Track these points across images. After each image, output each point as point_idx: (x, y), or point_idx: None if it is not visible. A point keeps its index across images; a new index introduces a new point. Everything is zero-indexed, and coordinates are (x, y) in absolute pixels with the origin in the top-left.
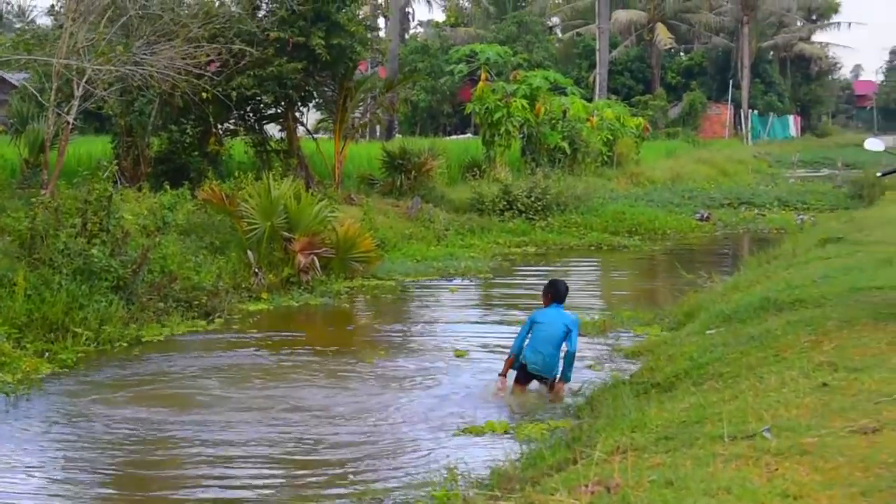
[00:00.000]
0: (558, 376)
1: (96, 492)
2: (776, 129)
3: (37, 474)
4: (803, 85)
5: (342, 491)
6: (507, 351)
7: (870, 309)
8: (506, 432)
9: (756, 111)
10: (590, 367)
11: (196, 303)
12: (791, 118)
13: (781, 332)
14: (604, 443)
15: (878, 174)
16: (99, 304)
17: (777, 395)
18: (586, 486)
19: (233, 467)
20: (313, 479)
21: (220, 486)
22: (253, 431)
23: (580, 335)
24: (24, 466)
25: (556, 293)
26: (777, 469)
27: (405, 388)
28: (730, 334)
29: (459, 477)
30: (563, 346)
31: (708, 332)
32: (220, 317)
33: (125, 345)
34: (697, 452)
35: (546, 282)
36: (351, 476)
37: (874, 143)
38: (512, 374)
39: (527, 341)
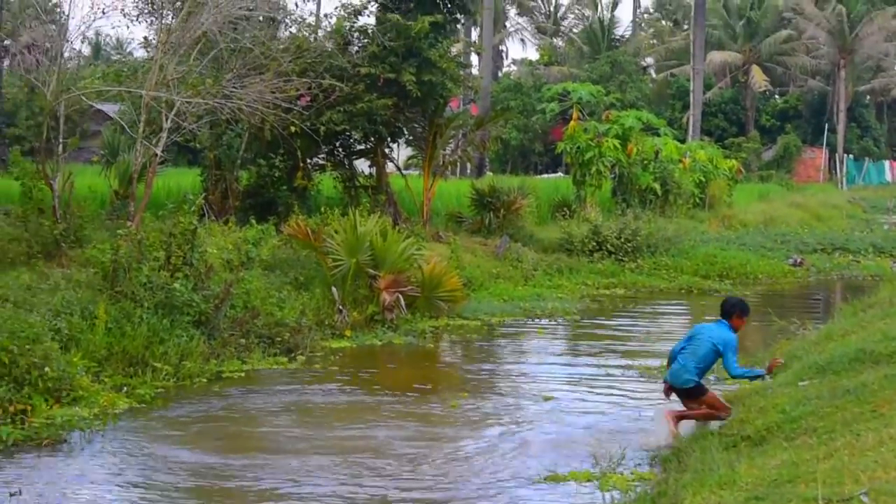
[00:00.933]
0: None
1: None
2: (871, 174)
3: None
4: None
5: None
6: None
7: None
8: (588, 481)
9: (851, 156)
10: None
11: (278, 339)
12: (887, 163)
13: (878, 386)
14: (692, 500)
15: None
16: (180, 339)
17: (875, 455)
18: None
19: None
20: None
21: None
22: (329, 477)
23: None
24: None
25: (722, 309)
26: None
27: (488, 433)
28: (824, 387)
29: None
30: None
31: (801, 383)
32: (302, 354)
33: (205, 380)
34: None
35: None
36: None
37: None
38: None
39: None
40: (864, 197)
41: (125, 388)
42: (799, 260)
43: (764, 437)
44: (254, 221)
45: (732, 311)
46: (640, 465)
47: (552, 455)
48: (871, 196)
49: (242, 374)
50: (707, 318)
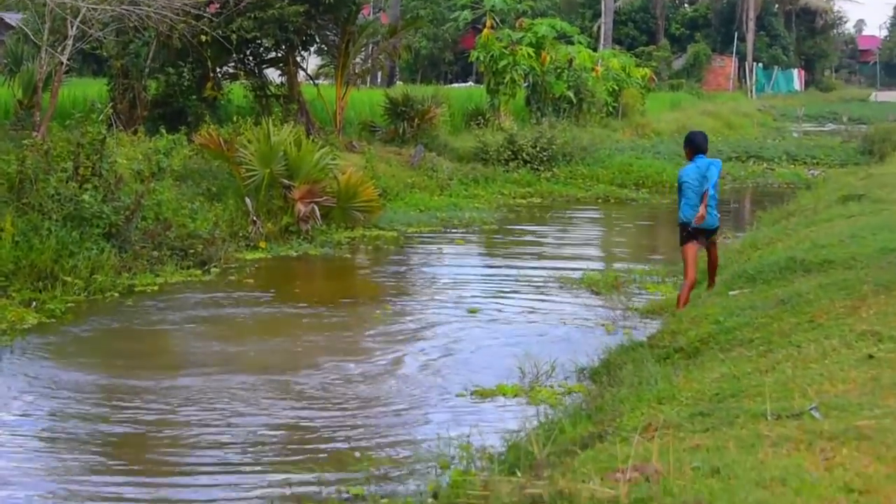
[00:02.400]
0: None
1: (78, 462)
2: (780, 82)
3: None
4: (808, 39)
5: (340, 452)
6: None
7: None
8: (516, 396)
9: (760, 64)
10: (602, 326)
11: (191, 251)
12: (795, 72)
13: (814, 295)
14: (630, 416)
15: None
16: (90, 252)
17: (819, 368)
18: (622, 472)
19: (228, 433)
20: (312, 446)
21: (216, 453)
22: (247, 398)
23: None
24: None
25: (694, 146)
26: (834, 457)
27: (412, 347)
28: (756, 296)
29: (474, 451)
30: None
31: (731, 293)
32: (216, 266)
33: (117, 294)
34: (740, 433)
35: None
36: (353, 442)
37: None
38: None
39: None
40: (773, 105)
41: (34, 303)
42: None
43: (698, 349)
44: (164, 131)
45: (706, 142)
46: (568, 378)
47: (478, 369)
48: (781, 104)
49: (155, 288)
50: (623, 227)
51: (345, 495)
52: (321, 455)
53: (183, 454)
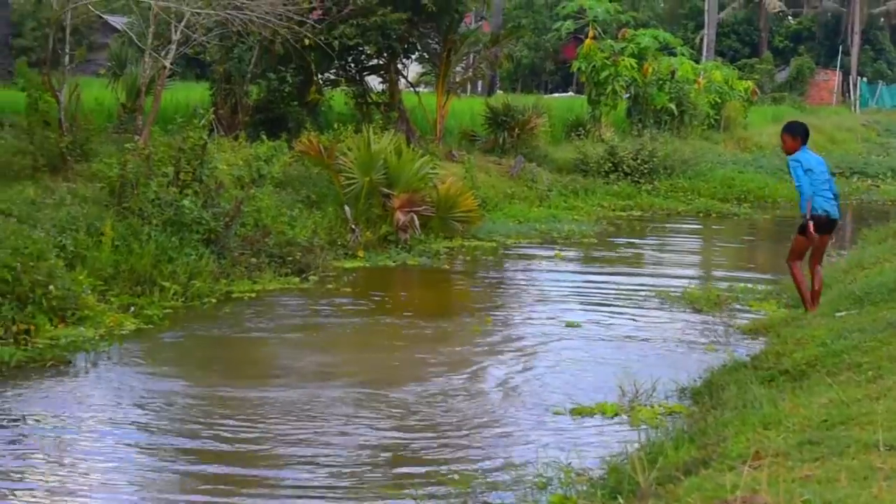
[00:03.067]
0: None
1: (167, 474)
2: (885, 97)
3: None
4: None
5: (438, 474)
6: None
7: None
8: (616, 415)
9: (865, 78)
10: (703, 345)
11: (290, 259)
12: None
13: None
14: (735, 441)
15: None
16: (189, 258)
17: None
18: (729, 503)
19: (320, 451)
20: (406, 466)
21: (305, 473)
22: (341, 412)
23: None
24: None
25: (805, 134)
26: None
27: (510, 361)
28: (864, 318)
29: (573, 475)
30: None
31: (837, 314)
32: (314, 274)
33: (214, 301)
34: (851, 464)
35: (790, 126)
36: (449, 462)
37: None
38: None
39: None
40: (877, 120)
41: (132, 308)
42: None
43: (804, 372)
44: (264, 137)
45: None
46: (669, 397)
47: (577, 385)
48: (885, 119)
49: (253, 295)
50: (725, 242)
51: None
52: (415, 476)
53: (270, 471)
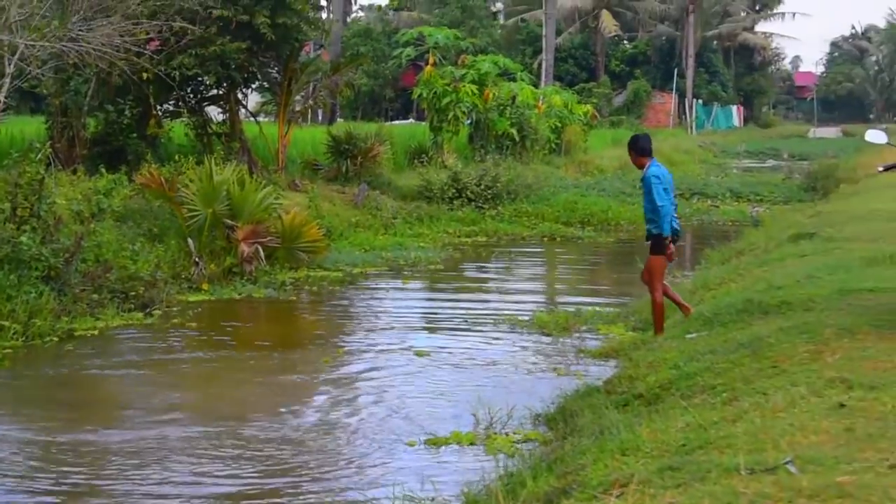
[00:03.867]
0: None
1: None
2: (720, 118)
3: None
4: (746, 75)
5: None
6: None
7: (867, 315)
8: (472, 444)
9: (700, 101)
10: (554, 370)
11: (133, 294)
12: (734, 108)
13: (775, 339)
14: (594, 469)
15: (879, 169)
16: (28, 296)
17: (788, 417)
18: None
19: (166, 495)
20: (255, 503)
21: None
22: (190, 451)
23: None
24: None
25: (639, 148)
26: None
27: (360, 393)
28: (714, 340)
29: None
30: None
31: (688, 336)
32: (158, 309)
33: (56, 339)
34: (714, 489)
35: (633, 141)
36: (302, 499)
37: (876, 136)
38: None
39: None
40: (714, 141)
41: None
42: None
43: (658, 396)
44: (104, 170)
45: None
46: (523, 423)
47: (431, 415)
48: (721, 140)
49: (96, 332)
50: (570, 266)
51: None
52: None
53: None
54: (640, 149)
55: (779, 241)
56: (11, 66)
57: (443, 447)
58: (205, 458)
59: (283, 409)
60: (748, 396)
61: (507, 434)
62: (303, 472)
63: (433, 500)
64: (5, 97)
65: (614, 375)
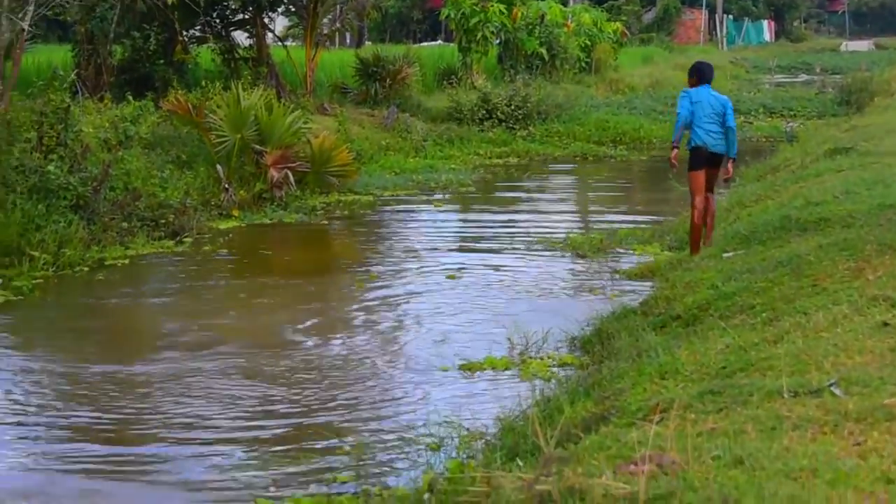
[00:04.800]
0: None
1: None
2: (750, 34)
3: None
4: None
5: (327, 444)
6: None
7: None
8: (506, 368)
9: (731, 16)
10: (589, 291)
11: (162, 221)
12: (765, 23)
13: (814, 257)
14: (633, 394)
15: None
16: (57, 225)
17: (831, 337)
18: (636, 463)
19: (203, 422)
20: (296, 437)
21: (189, 447)
22: (225, 377)
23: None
24: None
25: (702, 75)
26: (865, 441)
27: (393, 318)
28: (752, 258)
29: (469, 436)
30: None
31: (725, 255)
32: (188, 236)
33: (86, 269)
34: (757, 413)
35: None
36: (337, 424)
37: None
38: None
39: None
40: (745, 57)
41: (0, 280)
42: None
43: (696, 317)
44: (130, 98)
45: (712, 74)
46: (559, 347)
47: (465, 340)
48: (752, 56)
49: (126, 261)
50: (604, 186)
51: (333, 486)
52: (304, 441)
53: (152, 449)
54: (696, 70)
55: (815, 157)
56: None
57: (477, 372)
58: (239, 387)
59: (315, 336)
60: (789, 316)
61: (542, 358)
62: (336, 399)
63: (468, 425)
64: (30, 25)
65: (651, 296)
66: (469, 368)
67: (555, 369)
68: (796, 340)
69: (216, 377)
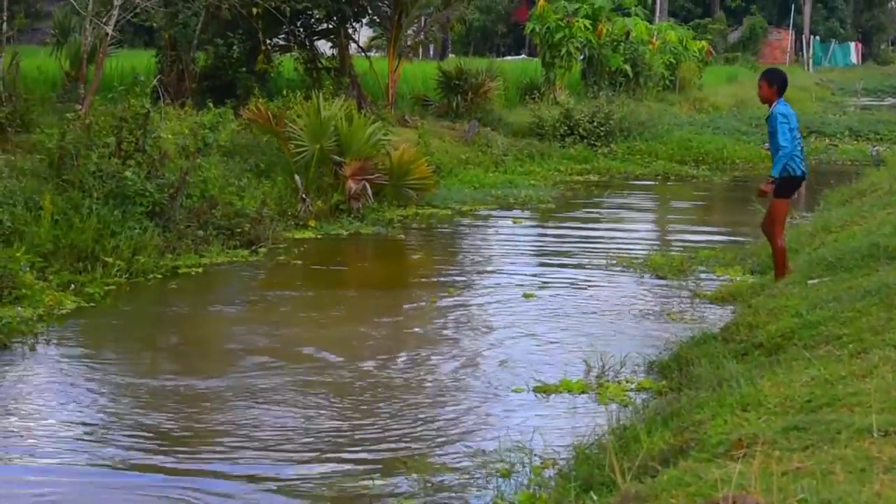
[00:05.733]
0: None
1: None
2: (837, 56)
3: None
4: (865, 11)
5: (396, 465)
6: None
7: None
8: (583, 392)
9: (817, 37)
10: (669, 315)
11: (238, 230)
12: (852, 45)
13: None
14: (714, 426)
15: None
16: (132, 232)
17: None
18: (715, 502)
19: (273, 438)
20: (361, 452)
21: (258, 462)
22: (294, 392)
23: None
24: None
25: (784, 84)
26: None
27: (468, 336)
28: (838, 286)
29: (540, 463)
30: None
31: (810, 281)
32: (263, 246)
33: (160, 276)
34: (845, 453)
35: (769, 73)
36: (405, 445)
37: None
38: None
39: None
40: (831, 79)
41: (73, 286)
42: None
43: (779, 345)
44: (211, 105)
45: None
46: (636, 371)
47: (539, 361)
48: (839, 78)
49: (200, 269)
50: (685, 206)
51: None
52: (371, 462)
53: (225, 466)
54: (780, 80)
55: None
56: None
57: (552, 395)
58: (308, 402)
59: (387, 351)
60: (878, 349)
61: (619, 382)
62: (405, 418)
63: (540, 451)
64: (115, 30)
65: (732, 322)
66: (544, 391)
67: (632, 394)
68: (886, 375)
69: (283, 392)
